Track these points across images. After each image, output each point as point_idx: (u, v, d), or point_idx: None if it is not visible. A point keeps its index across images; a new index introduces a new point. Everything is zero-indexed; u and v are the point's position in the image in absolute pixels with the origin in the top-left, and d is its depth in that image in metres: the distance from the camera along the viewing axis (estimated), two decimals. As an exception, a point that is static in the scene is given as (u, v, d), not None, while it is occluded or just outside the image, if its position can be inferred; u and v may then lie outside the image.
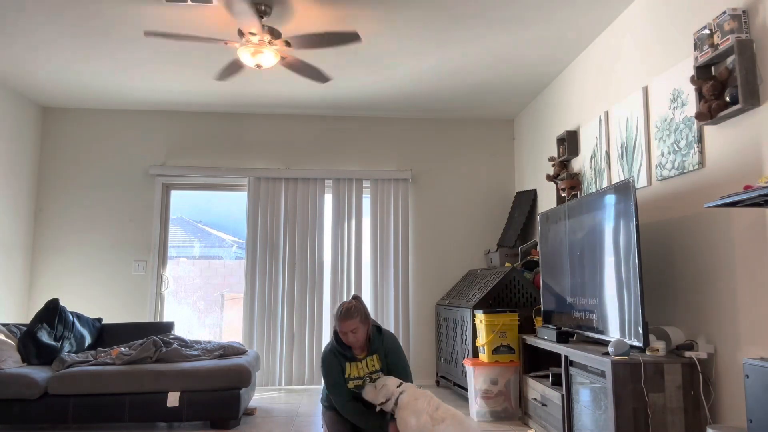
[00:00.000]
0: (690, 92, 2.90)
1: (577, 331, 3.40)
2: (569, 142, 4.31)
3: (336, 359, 3.13)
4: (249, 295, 5.44)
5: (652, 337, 2.88)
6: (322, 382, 3.37)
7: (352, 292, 5.54)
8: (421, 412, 2.90)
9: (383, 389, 3.02)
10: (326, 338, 5.49)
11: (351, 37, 3.43)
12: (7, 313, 5.05)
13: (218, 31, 3.90)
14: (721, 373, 2.68)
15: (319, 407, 3.43)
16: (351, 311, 3.05)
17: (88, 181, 5.56)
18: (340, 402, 3.11)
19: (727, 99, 2.58)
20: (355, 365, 3.13)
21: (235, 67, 3.90)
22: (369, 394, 3.05)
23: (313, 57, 4.32)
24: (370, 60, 4.41)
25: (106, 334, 4.58)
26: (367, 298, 5.58)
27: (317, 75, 3.99)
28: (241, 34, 3.50)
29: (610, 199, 3.07)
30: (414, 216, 5.79)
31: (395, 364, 3.16)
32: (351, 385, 3.12)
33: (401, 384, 3.04)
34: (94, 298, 5.41)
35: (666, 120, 3.11)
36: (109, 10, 3.61)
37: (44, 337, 4.06)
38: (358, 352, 3.15)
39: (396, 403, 2.97)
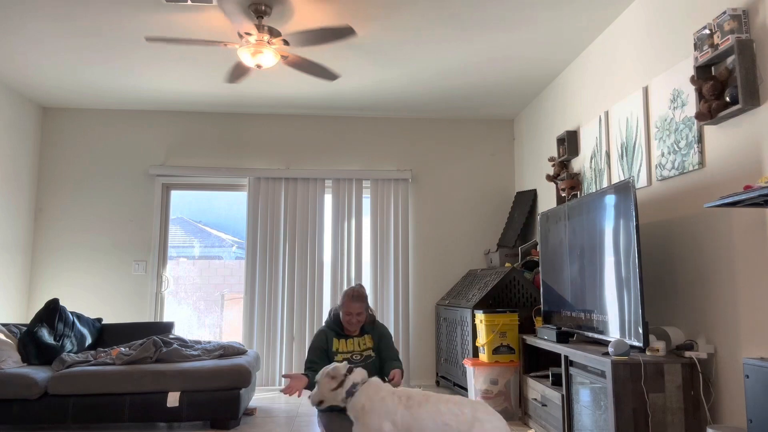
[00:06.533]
0: (690, 92, 2.90)
1: (577, 331, 3.40)
2: (569, 142, 4.31)
3: (326, 333, 3.21)
4: (249, 295, 5.44)
5: (652, 337, 2.88)
6: None
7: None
8: (393, 412, 2.40)
9: (334, 370, 2.58)
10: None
11: (346, 32, 3.42)
12: (7, 313, 5.05)
13: (219, 32, 3.90)
14: (721, 373, 2.67)
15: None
16: (363, 295, 3.18)
17: (88, 181, 5.56)
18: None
19: (727, 99, 2.58)
20: (343, 341, 3.20)
21: (242, 69, 3.89)
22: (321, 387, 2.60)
23: (313, 57, 4.32)
24: (370, 60, 4.41)
25: (106, 334, 4.58)
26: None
27: (324, 73, 3.96)
28: (241, 34, 3.50)
29: (610, 199, 3.07)
30: (414, 216, 5.79)
31: (388, 347, 3.23)
32: (339, 358, 3.18)
33: (353, 370, 2.60)
34: (94, 298, 5.41)
35: (666, 120, 3.11)
36: (109, 10, 3.61)
37: (44, 336, 4.06)
38: (351, 332, 3.23)
39: (348, 395, 2.53)
